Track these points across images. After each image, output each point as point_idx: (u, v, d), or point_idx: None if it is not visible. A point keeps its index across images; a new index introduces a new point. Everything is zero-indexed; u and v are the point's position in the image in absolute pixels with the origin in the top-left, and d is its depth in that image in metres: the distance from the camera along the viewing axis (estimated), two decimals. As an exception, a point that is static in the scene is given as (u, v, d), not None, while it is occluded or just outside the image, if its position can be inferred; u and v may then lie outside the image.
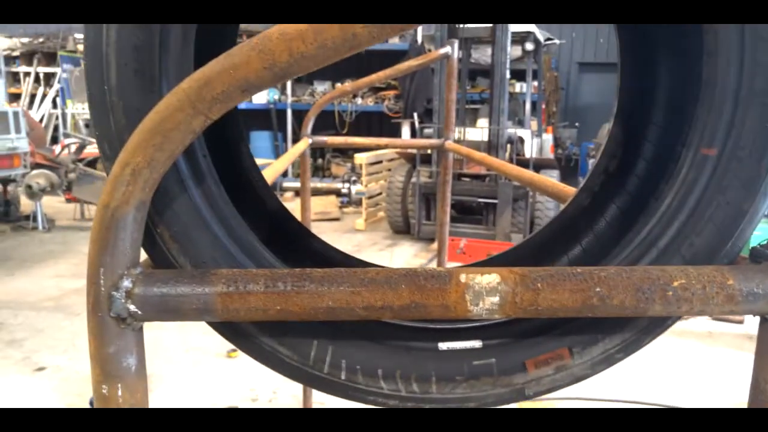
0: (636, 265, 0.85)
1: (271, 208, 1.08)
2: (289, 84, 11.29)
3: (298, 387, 3.58)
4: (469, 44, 8.71)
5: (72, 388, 3.86)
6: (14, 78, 13.37)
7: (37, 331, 4.77)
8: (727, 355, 4.57)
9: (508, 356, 0.86)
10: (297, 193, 10.26)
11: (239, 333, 0.83)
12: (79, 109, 12.28)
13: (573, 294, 0.73)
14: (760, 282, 0.75)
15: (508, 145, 7.90)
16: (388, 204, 8.39)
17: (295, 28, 0.65)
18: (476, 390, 0.87)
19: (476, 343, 0.87)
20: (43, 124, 12.07)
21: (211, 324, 0.80)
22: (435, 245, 6.37)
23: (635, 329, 0.86)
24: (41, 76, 13.14)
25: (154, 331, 4.38)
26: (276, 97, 11.40)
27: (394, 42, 10.74)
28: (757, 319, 0.79)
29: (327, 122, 11.12)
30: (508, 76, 7.76)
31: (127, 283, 0.69)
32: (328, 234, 8.48)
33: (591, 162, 9.97)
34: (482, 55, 9.50)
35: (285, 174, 10.52)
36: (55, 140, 11.76)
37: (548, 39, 10.34)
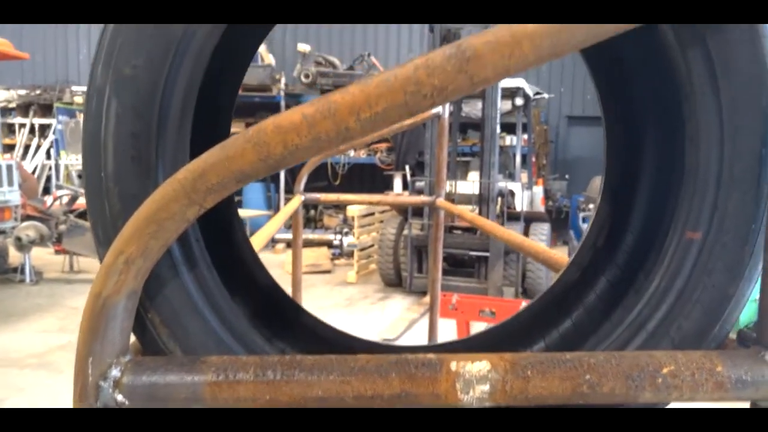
0: (625, 349, 0.85)
1: (262, 284, 1.08)
2: (282, 136, 11.43)
3: None
4: (460, 99, 8.89)
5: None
6: (9, 129, 13.47)
7: (18, 389, 4.65)
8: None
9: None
10: (289, 244, 10.24)
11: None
12: (73, 160, 12.34)
13: (563, 382, 0.73)
14: (749, 368, 0.75)
15: (499, 198, 7.96)
16: (379, 256, 8.38)
17: (289, 121, 0.67)
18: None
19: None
20: (36, 175, 12.09)
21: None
22: (427, 299, 6.33)
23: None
24: (36, 127, 13.25)
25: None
26: (269, 149, 11.51)
27: (387, 96, 10.93)
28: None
29: (319, 174, 11.21)
30: (498, 130, 7.90)
31: (115, 373, 0.69)
32: (319, 287, 8.43)
33: (581, 215, 10.05)
34: (473, 108, 9.68)
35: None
36: (47, 191, 11.76)
37: (537, 93, 10.58)
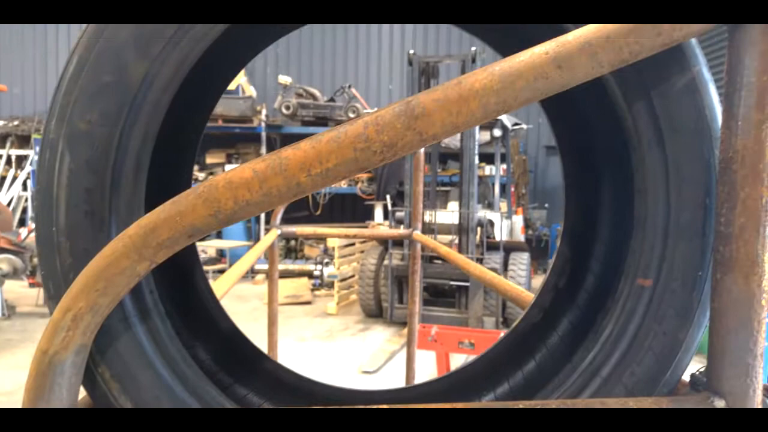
0: (581, 395, 0.86)
1: (224, 329, 1.07)
2: (263, 167, 11.43)
3: None
4: (439, 131, 8.97)
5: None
6: (-15, 160, 13.30)
7: (-12, 428, 4.51)
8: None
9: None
10: (268, 275, 10.16)
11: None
12: (50, 191, 12.14)
13: None
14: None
15: (479, 228, 8.01)
16: (360, 287, 8.34)
17: (240, 177, 0.68)
18: None
19: None
20: (11, 207, 11.92)
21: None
22: (417, 336, 6.31)
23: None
24: (13, 158, 13.11)
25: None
26: (250, 179, 11.49)
27: (367, 127, 11.02)
28: None
29: (300, 204, 11.20)
30: (477, 160, 7.99)
31: (62, 430, 0.68)
32: (299, 318, 8.35)
33: (560, 244, 10.10)
34: (452, 139, 9.78)
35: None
36: (23, 222, 11.58)
37: (516, 124, 10.74)
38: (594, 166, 1.09)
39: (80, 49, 0.70)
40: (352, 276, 9.16)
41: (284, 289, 9.24)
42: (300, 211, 11.39)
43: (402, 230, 3.63)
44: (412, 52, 7.82)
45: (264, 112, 10.69)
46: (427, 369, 5.47)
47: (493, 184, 9.41)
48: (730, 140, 0.76)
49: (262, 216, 11.49)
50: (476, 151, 7.87)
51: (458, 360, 5.45)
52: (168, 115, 0.81)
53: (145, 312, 0.78)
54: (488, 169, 10.67)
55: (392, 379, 5.99)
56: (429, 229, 8.01)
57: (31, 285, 8.46)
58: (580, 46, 0.70)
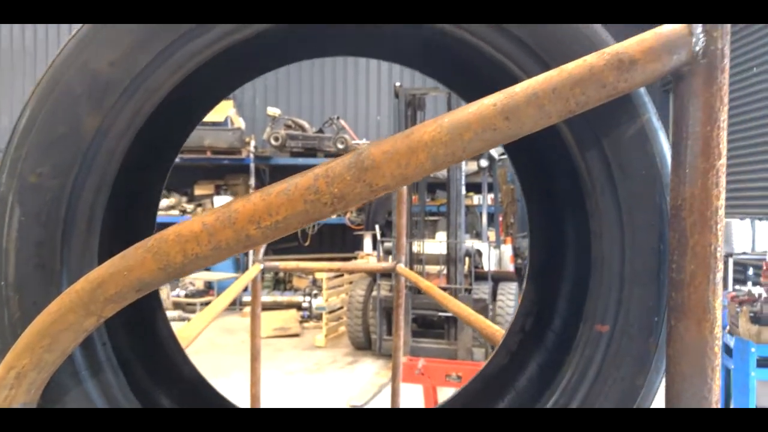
0: (542, 442, 0.85)
1: (187, 376, 1.06)
2: (251, 198, 11.43)
3: None
4: (426, 161, 9.03)
5: None
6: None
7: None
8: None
9: None
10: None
11: None
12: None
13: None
14: (657, 463, 0.76)
15: (467, 258, 8.01)
16: (349, 319, 8.29)
17: (190, 230, 0.68)
18: None
19: None
20: None
21: None
22: (401, 371, 6.26)
23: None
24: None
25: None
26: (238, 210, 11.48)
27: (355, 158, 11.09)
28: None
29: (289, 235, 11.17)
30: (464, 191, 8.03)
31: (5, 490, 0.66)
32: (287, 351, 8.27)
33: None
34: (443, 170, 9.88)
35: (246, 288, 10.40)
36: None
37: (503, 154, 10.83)
38: (558, 207, 1.10)
39: (33, 103, 0.71)
40: (341, 308, 9.10)
41: (273, 321, 9.16)
42: (289, 241, 11.37)
43: (385, 264, 3.62)
44: (398, 84, 7.92)
45: (253, 143, 10.74)
46: (414, 403, 5.41)
47: (481, 214, 9.45)
48: (679, 188, 0.77)
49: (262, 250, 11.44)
50: (463, 182, 7.91)
51: (446, 393, 5.40)
52: (129, 158, 0.81)
53: (96, 365, 0.77)
54: (476, 199, 10.74)
55: (380, 412, 5.90)
56: (417, 259, 8.01)
57: None
58: (527, 97, 0.71)
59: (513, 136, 0.73)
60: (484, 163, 9.17)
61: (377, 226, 10.69)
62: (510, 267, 9.93)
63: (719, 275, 0.77)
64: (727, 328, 5.23)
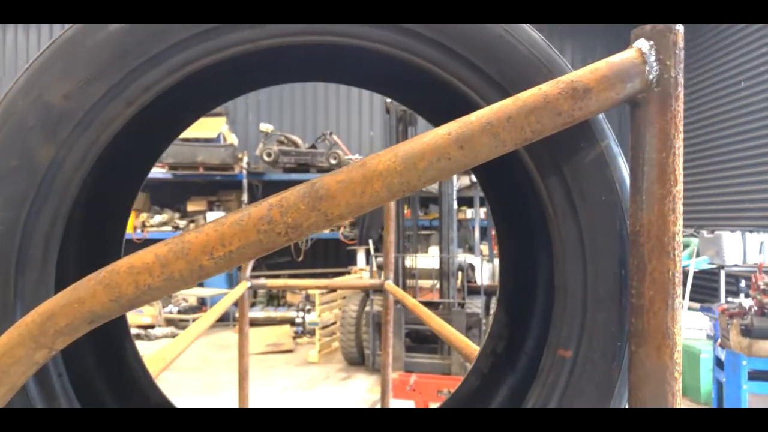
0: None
1: (156, 404, 1.05)
2: (245, 213, 11.41)
3: None
4: (419, 176, 9.05)
5: None
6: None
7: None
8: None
9: None
10: (251, 323, 10.02)
11: None
12: None
13: None
14: (618, 492, 0.75)
15: (459, 272, 8.00)
16: (342, 334, 8.25)
17: (142, 262, 0.67)
18: None
19: None
20: None
21: None
22: (390, 387, 6.24)
23: None
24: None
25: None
26: (232, 226, 11.46)
27: (348, 173, 11.11)
28: None
29: (283, 250, 11.11)
30: (455, 205, 8.04)
31: None
32: (279, 368, 8.22)
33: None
34: (434, 184, 9.91)
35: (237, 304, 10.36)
36: None
37: (495, 169, 10.86)
38: (527, 230, 1.10)
39: (-15, 132, 0.71)
40: (334, 323, 9.06)
41: (266, 337, 9.11)
42: (282, 257, 11.34)
43: (373, 280, 3.61)
44: (389, 100, 7.95)
45: (245, 159, 10.75)
46: (406, 419, 5.36)
47: (474, 228, 9.46)
48: (636, 214, 0.78)
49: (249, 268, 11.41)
50: (455, 196, 7.93)
51: (438, 409, 5.37)
52: (93, 184, 0.81)
53: (51, 397, 0.76)
54: (469, 213, 10.74)
55: (372, 429, 5.86)
56: (410, 274, 8.00)
57: None
58: (481, 126, 0.72)
59: (468, 165, 0.73)
60: (475, 177, 9.20)
61: (371, 241, 10.67)
62: (504, 281, 9.92)
63: (678, 300, 0.77)
64: (719, 341, 5.23)
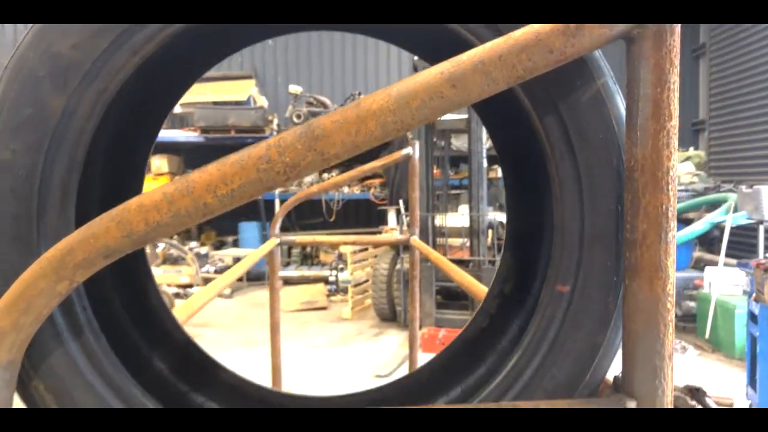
0: (503, 398, 0.89)
1: (178, 341, 1.12)
2: (277, 175, 11.51)
3: None
4: (448, 134, 9.00)
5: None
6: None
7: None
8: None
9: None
10: (286, 281, 10.25)
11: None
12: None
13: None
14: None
15: (490, 230, 8.00)
16: (374, 292, 8.38)
17: (151, 200, 0.72)
18: None
19: None
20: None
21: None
22: (422, 332, 6.36)
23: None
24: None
25: None
26: (264, 188, 11.61)
27: (378, 133, 11.09)
28: None
29: (314, 211, 11.29)
30: (485, 163, 7.98)
31: (-8, 441, 0.73)
32: (314, 324, 8.41)
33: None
34: (463, 142, 9.81)
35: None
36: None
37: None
38: (533, 171, 1.11)
39: (2, 85, 0.76)
40: (366, 281, 9.20)
41: (300, 295, 9.32)
42: (314, 217, 11.47)
43: (400, 236, 3.65)
44: (416, 58, 7.85)
45: (275, 121, 10.80)
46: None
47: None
48: (631, 150, 0.78)
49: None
50: (485, 154, 7.85)
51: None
52: (110, 132, 0.85)
53: (77, 328, 0.82)
54: (500, 171, 10.64)
55: (403, 383, 6.00)
56: (440, 232, 8.03)
57: None
58: (473, 65, 0.73)
59: (460, 104, 0.75)
60: (507, 134, 9.08)
61: (401, 201, 10.71)
62: (535, 238, 9.87)
63: (671, 234, 0.78)
64: (753, 295, 5.15)
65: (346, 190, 11.40)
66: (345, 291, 9.47)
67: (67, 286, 0.72)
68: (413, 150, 3.36)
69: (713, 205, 8.42)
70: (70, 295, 0.81)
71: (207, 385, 1.12)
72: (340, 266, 10.25)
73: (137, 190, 1.10)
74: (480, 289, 1.66)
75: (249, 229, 11.77)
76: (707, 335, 6.72)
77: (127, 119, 0.99)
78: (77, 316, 0.83)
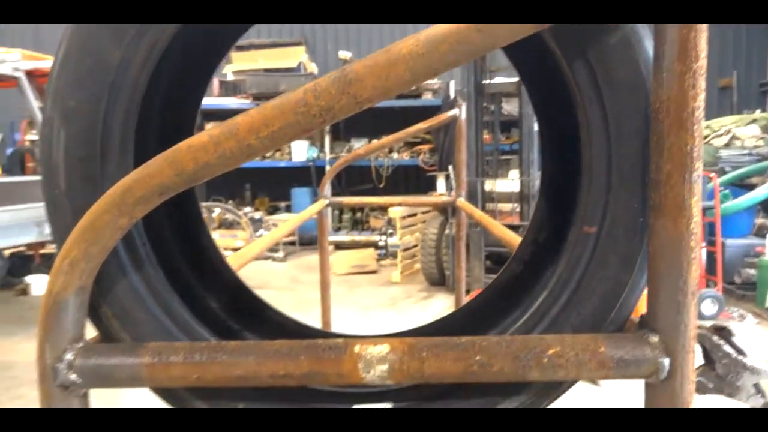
0: (530, 333, 0.93)
1: (229, 282, 1.20)
2: (327, 141, 11.65)
3: None
4: (499, 98, 8.86)
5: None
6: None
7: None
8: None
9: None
10: (337, 246, 10.45)
11: (173, 396, 0.94)
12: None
13: (455, 362, 0.82)
14: (631, 349, 0.82)
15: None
16: (422, 256, 8.46)
17: (199, 141, 0.79)
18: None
19: (387, 405, 0.96)
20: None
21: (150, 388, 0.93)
22: (470, 297, 6.40)
23: (531, 393, 0.93)
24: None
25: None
26: (315, 154, 11.78)
27: (428, 98, 11.02)
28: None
29: (364, 177, 11.39)
30: (536, 127, 7.85)
31: (69, 356, 0.82)
32: (364, 287, 8.58)
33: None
34: (514, 107, 9.64)
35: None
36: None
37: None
38: (566, 119, 1.12)
39: (66, 40, 0.83)
40: (415, 246, 9.28)
41: (351, 259, 9.51)
42: (364, 183, 11.58)
43: (446, 198, 3.68)
44: (467, 19, 7.71)
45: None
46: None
47: (557, 151, 9.20)
48: (658, 92, 0.80)
49: (329, 190, 11.75)
50: (535, 118, 7.73)
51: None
52: (161, 86, 0.92)
53: (138, 262, 0.91)
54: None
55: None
56: (489, 197, 7.99)
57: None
58: (499, 9, 0.76)
59: (487, 48, 0.78)
60: (559, 97, 8.87)
61: (450, 167, 10.66)
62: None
63: (695, 174, 0.80)
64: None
65: (395, 156, 11.43)
66: (394, 255, 9.58)
67: (128, 220, 0.80)
68: (460, 111, 3.36)
69: (779, 170, 8.04)
70: (131, 231, 0.90)
71: (258, 325, 1.20)
72: (390, 231, 10.35)
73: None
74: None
75: (301, 194, 11.98)
76: (767, 304, 6.51)
77: (178, 75, 1.06)
78: (138, 250, 0.91)
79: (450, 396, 0.95)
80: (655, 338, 0.83)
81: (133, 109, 0.87)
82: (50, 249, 8.64)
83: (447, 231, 8.04)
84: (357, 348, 0.83)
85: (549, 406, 0.95)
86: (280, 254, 10.17)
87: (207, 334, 0.98)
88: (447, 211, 8.14)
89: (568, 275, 0.92)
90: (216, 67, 1.21)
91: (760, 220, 8.06)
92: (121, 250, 0.89)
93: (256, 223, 10.76)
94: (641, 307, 0.90)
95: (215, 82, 10.88)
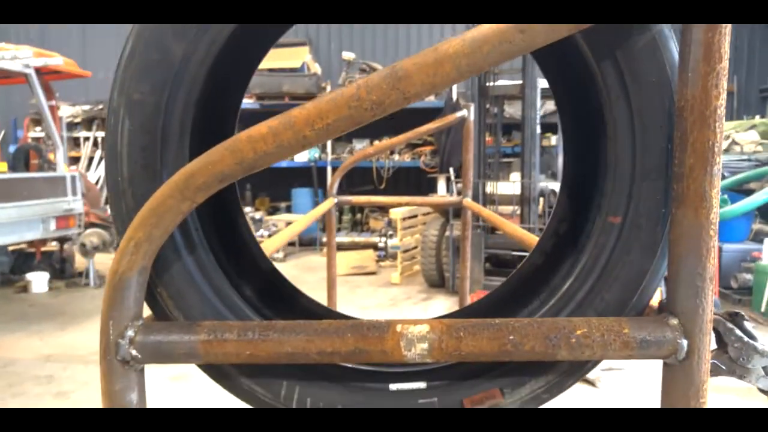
0: (557, 317, 0.99)
1: (264, 269, 1.26)
2: (329, 142, 11.71)
3: None
4: (501, 101, 8.93)
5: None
6: (75, 142, 14.27)
7: (83, 383, 5.03)
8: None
9: (448, 396, 1.01)
10: (337, 247, 10.49)
11: (222, 374, 1.00)
12: (133, 170, 12.91)
13: (490, 341, 0.88)
14: (653, 330, 0.88)
15: (541, 198, 7.98)
16: (422, 258, 8.52)
17: (258, 132, 0.84)
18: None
19: (421, 384, 1.02)
20: (98, 186, 12.80)
21: (198, 366, 0.98)
22: (468, 299, 6.46)
23: (558, 372, 0.99)
24: (99, 140, 13.99)
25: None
26: (316, 155, 11.84)
27: (430, 100, 11.09)
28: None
29: (365, 178, 11.45)
30: (539, 130, 7.92)
31: (130, 333, 0.88)
32: (364, 288, 8.63)
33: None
34: (517, 109, 9.72)
35: (324, 229, 10.82)
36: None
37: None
38: (589, 114, 1.18)
39: (133, 36, 0.89)
40: (415, 247, 9.35)
41: (350, 260, 9.56)
42: (365, 185, 11.64)
43: (452, 198, 3.75)
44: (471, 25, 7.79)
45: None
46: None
47: (557, 154, 9.29)
48: (682, 91, 0.86)
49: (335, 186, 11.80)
50: (538, 121, 7.79)
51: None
52: (212, 82, 0.98)
53: (192, 245, 0.97)
54: (553, 140, 10.51)
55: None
56: (490, 200, 8.06)
57: (118, 257, 9.10)
58: (539, 13, 0.82)
59: (527, 49, 0.84)
60: (560, 101, 8.94)
61: (451, 169, 10.74)
62: (587, 208, 9.75)
63: (716, 168, 0.86)
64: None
65: (396, 157, 11.50)
66: (394, 257, 9.64)
67: (189, 205, 0.86)
68: (468, 112, 3.43)
69: (777, 176, 8.13)
70: (186, 217, 0.96)
71: (289, 311, 1.26)
72: (389, 233, 10.41)
73: (230, 133, 1.23)
74: (532, 240, 1.76)
75: (301, 195, 12.04)
76: (763, 308, 6.59)
77: (227, 70, 1.12)
78: (192, 235, 0.97)
79: (481, 375, 1.01)
80: (674, 321, 0.89)
81: (191, 102, 0.93)
82: (51, 246, 8.70)
83: (447, 233, 8.11)
84: (399, 327, 0.89)
85: (556, 397, 1.01)
86: (280, 255, 10.23)
87: (251, 312, 1.03)
88: (448, 213, 8.21)
89: (593, 263, 0.98)
90: (257, 66, 1.27)
91: (757, 226, 8.15)
92: (176, 234, 0.95)
93: (257, 223, 10.81)
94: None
95: (218, 82, 10.91)
